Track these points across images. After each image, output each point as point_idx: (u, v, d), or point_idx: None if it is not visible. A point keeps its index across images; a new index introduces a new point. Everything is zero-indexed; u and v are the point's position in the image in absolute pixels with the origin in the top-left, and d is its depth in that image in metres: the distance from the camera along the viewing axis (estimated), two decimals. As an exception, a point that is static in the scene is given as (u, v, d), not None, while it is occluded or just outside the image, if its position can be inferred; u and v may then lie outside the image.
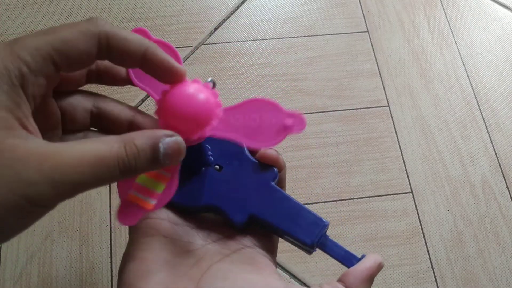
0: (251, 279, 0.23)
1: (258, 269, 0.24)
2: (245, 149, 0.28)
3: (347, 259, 0.26)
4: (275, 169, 0.28)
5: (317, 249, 0.27)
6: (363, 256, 0.26)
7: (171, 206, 0.27)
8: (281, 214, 0.26)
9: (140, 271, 0.22)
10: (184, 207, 0.27)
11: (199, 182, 0.27)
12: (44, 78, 0.19)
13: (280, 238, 0.28)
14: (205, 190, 0.27)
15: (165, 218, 0.26)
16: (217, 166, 0.28)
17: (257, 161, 0.28)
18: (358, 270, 0.24)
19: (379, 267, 0.25)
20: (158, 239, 0.24)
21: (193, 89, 0.23)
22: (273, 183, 0.27)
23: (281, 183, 0.29)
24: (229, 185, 0.27)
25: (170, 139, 0.20)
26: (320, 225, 0.26)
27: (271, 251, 0.28)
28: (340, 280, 0.24)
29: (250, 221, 0.27)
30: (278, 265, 0.51)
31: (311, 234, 0.26)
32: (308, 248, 0.26)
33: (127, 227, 0.53)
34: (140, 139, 0.19)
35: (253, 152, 0.29)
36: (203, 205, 0.27)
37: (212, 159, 0.28)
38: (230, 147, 0.28)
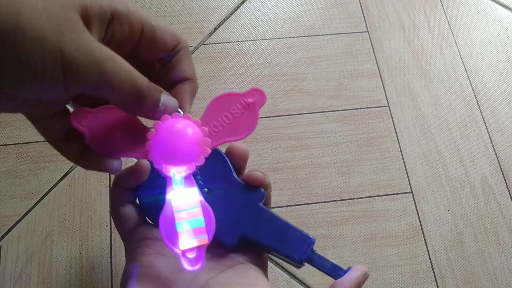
0: None
1: (253, 283, 0.25)
2: (233, 171, 0.29)
3: (335, 271, 0.27)
4: (262, 189, 0.28)
5: (305, 264, 0.28)
6: (349, 268, 0.27)
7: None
8: (270, 233, 0.27)
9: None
10: None
11: None
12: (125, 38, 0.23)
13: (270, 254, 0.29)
14: None
15: (161, 238, 0.26)
16: (206, 189, 0.29)
17: (244, 183, 0.28)
18: (346, 281, 0.25)
19: (366, 277, 0.26)
20: (157, 257, 0.25)
21: (180, 129, 0.24)
22: (261, 204, 0.28)
23: (267, 200, 0.30)
24: (219, 208, 0.27)
25: (169, 98, 0.24)
26: (307, 242, 0.27)
27: (262, 266, 0.29)
28: None
29: (241, 242, 0.27)
30: (278, 265, 0.51)
31: (300, 251, 0.27)
32: (297, 264, 0.27)
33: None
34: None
35: (239, 172, 0.30)
36: None
37: (202, 183, 0.29)
38: (218, 170, 0.29)
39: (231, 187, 0.28)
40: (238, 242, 0.27)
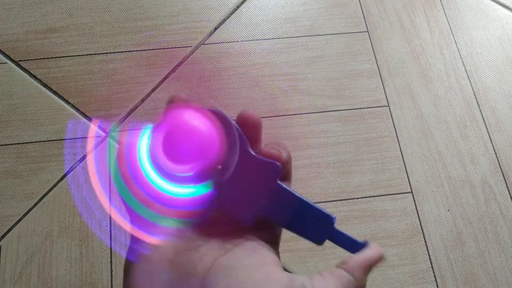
0: (254, 274, 0.23)
1: (261, 262, 0.24)
2: (249, 147, 0.27)
3: (352, 247, 0.27)
4: (279, 164, 0.26)
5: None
6: (366, 242, 0.26)
7: None
8: (289, 214, 0.26)
9: (145, 271, 0.23)
10: None
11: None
12: None
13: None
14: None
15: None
16: (220, 166, 0.27)
17: (260, 157, 0.27)
18: (361, 258, 0.25)
19: (380, 259, 0.26)
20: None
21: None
22: (278, 181, 0.26)
23: (286, 175, 0.28)
24: (235, 188, 0.26)
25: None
26: (328, 222, 0.26)
27: (274, 242, 0.27)
28: (341, 264, 0.25)
29: (258, 223, 0.26)
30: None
31: (320, 233, 0.26)
32: (317, 243, 0.26)
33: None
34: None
35: (255, 144, 0.27)
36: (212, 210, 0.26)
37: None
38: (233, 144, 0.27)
39: (247, 165, 0.26)
40: (254, 223, 0.26)
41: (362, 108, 0.60)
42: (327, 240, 0.27)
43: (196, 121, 0.24)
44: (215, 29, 0.65)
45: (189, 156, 0.23)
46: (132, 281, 0.22)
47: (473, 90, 0.63)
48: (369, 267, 0.25)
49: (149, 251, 0.23)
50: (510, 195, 0.56)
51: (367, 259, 0.25)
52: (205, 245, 0.25)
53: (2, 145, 0.55)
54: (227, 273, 0.23)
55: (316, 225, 0.26)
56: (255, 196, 0.26)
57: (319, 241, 0.26)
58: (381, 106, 0.61)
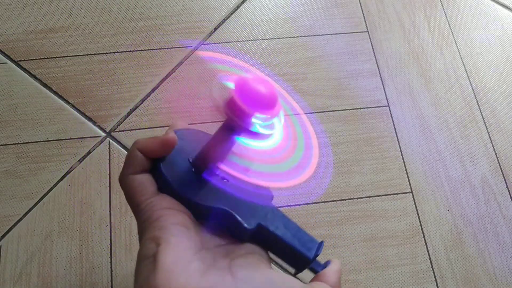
0: (276, 274, 0.25)
1: (271, 268, 0.26)
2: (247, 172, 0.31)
3: (319, 267, 0.30)
4: (271, 192, 0.31)
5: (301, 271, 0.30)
6: (328, 262, 0.30)
7: (187, 202, 0.28)
8: (284, 230, 0.29)
9: (177, 257, 0.23)
10: (199, 206, 0.28)
11: (213, 188, 0.29)
12: None
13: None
14: (219, 195, 0.29)
15: (184, 212, 0.27)
16: (225, 180, 0.30)
17: (258, 185, 0.31)
18: (333, 270, 0.29)
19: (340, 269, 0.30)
20: (183, 229, 0.25)
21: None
22: (272, 203, 0.30)
23: None
24: (238, 198, 0.29)
25: None
26: (317, 243, 0.29)
27: (268, 259, 0.29)
28: (319, 279, 0.28)
29: (256, 232, 0.28)
30: (278, 264, 0.51)
31: (311, 250, 0.29)
32: (305, 263, 0.29)
33: (128, 226, 0.53)
34: None
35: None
36: (217, 208, 0.28)
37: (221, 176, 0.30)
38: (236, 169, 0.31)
39: (247, 184, 0.30)
40: (254, 230, 0.28)
41: (362, 108, 0.60)
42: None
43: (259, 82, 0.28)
44: (215, 29, 0.65)
45: (263, 105, 0.27)
46: (164, 265, 0.23)
47: (473, 90, 0.63)
48: (339, 276, 0.29)
49: (176, 238, 0.24)
50: (510, 195, 0.56)
51: (338, 270, 0.29)
52: (212, 249, 0.27)
53: (2, 145, 0.55)
54: (252, 269, 0.25)
55: (306, 243, 0.29)
56: (255, 209, 0.29)
57: (309, 257, 0.28)
58: (381, 106, 0.61)
